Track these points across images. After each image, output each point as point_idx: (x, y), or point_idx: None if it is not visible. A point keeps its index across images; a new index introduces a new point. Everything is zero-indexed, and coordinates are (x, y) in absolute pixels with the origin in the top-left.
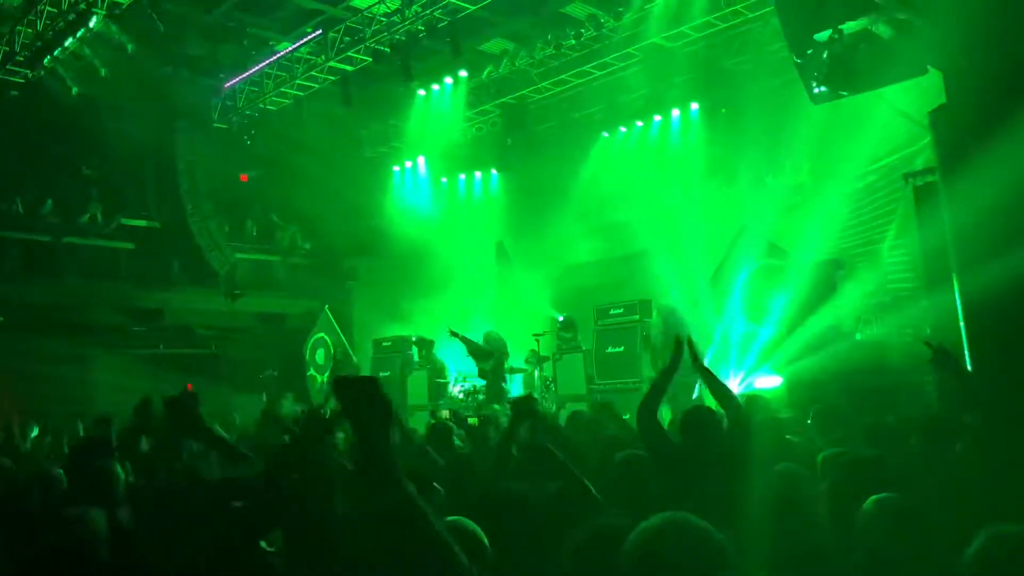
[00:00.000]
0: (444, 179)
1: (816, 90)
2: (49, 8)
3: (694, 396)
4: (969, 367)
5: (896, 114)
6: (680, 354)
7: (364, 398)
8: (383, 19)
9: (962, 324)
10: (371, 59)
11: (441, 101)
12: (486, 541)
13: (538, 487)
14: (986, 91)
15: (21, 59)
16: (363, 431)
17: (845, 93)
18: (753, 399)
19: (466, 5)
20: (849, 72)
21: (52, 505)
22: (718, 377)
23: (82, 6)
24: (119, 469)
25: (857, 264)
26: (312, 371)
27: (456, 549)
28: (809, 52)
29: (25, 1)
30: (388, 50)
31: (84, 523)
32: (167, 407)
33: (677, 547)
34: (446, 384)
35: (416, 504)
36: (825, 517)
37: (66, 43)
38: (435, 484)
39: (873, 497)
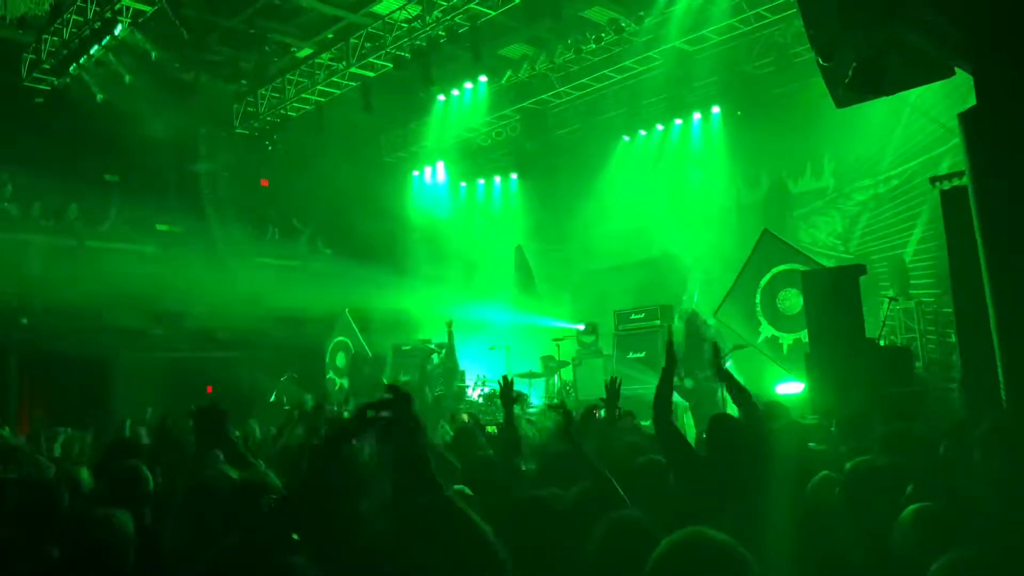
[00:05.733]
0: (463, 184)
1: (841, 93)
2: (75, 17)
3: (718, 401)
4: (1002, 372)
5: (919, 117)
6: (674, 355)
7: (406, 410)
8: (404, 25)
9: (994, 328)
10: (392, 65)
11: (461, 106)
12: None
13: (560, 491)
14: (1021, 91)
15: (47, 67)
16: (406, 438)
17: (871, 96)
18: (773, 405)
19: (486, 10)
20: (876, 75)
21: (80, 506)
22: (739, 381)
23: (107, 14)
24: (147, 472)
25: (880, 269)
26: (331, 374)
27: (497, 546)
28: (835, 55)
29: (51, 10)
30: (409, 56)
31: (112, 524)
32: (195, 419)
33: (700, 562)
34: (465, 388)
35: (453, 503)
36: (849, 527)
37: (91, 51)
38: (460, 486)
39: (911, 507)
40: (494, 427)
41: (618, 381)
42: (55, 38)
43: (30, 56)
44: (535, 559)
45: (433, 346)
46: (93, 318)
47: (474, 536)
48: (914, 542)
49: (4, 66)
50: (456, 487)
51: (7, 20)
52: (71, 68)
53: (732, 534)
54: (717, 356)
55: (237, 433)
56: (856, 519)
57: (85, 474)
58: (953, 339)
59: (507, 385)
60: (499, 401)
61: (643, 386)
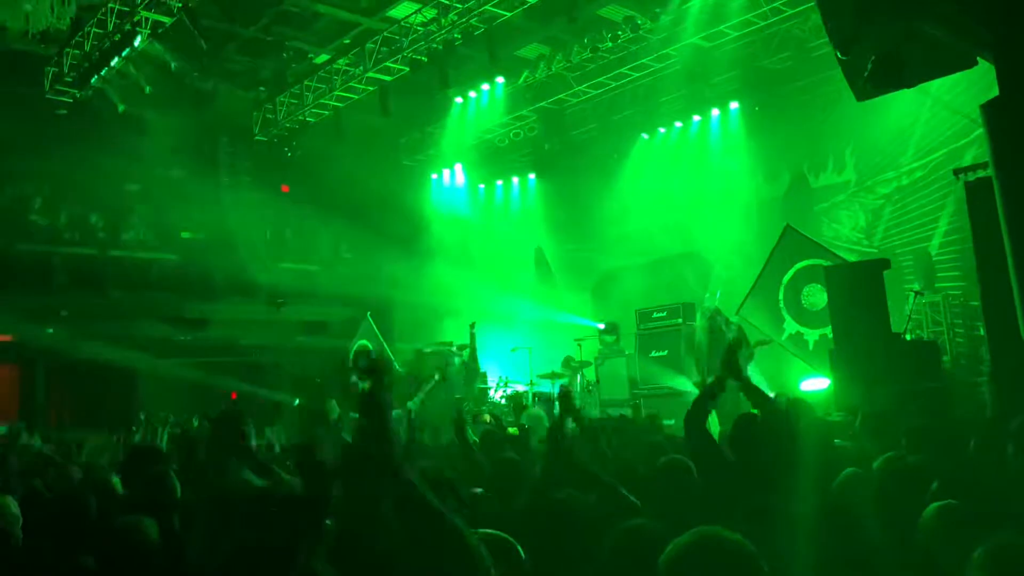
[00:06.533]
0: (482, 186)
1: (861, 86)
2: (95, 30)
3: (741, 399)
4: None
5: (942, 108)
6: (734, 359)
7: (381, 382)
8: (420, 28)
9: (1021, 321)
10: (408, 68)
11: (478, 108)
12: (521, 552)
13: (581, 495)
14: None
15: (69, 79)
16: (374, 416)
17: (891, 88)
18: (797, 402)
19: (502, 12)
20: (896, 67)
21: (107, 513)
22: (753, 383)
23: (127, 27)
24: (175, 479)
25: (905, 262)
26: (354, 378)
27: (465, 531)
28: (853, 48)
29: (72, 23)
30: (425, 59)
31: (137, 533)
32: (214, 425)
33: (708, 562)
34: (487, 390)
35: (416, 489)
36: (876, 525)
37: (112, 63)
38: (478, 489)
39: (934, 504)
40: (515, 429)
41: (572, 391)
42: (76, 51)
43: (52, 69)
44: (557, 561)
45: (455, 348)
46: (118, 326)
47: (441, 527)
48: (938, 539)
49: (27, 79)
50: (476, 490)
51: (30, 34)
52: (92, 80)
53: (758, 534)
54: (732, 356)
55: (269, 432)
56: (886, 516)
57: (117, 481)
58: (981, 332)
59: (565, 395)
60: (513, 404)
61: (665, 385)
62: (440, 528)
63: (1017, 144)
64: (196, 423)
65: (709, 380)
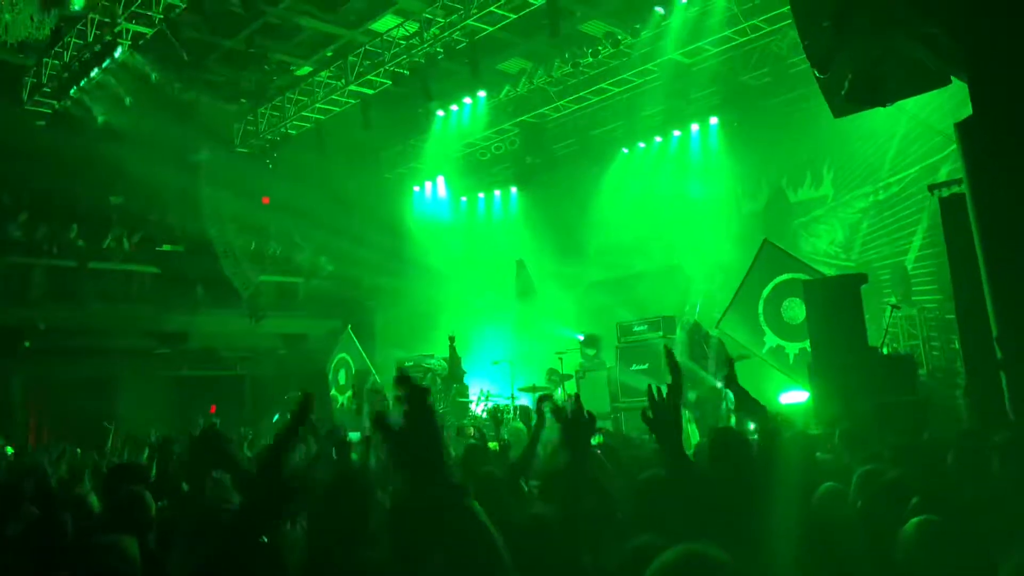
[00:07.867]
0: (464, 198)
1: (838, 103)
2: (75, 40)
3: (722, 411)
4: (1003, 376)
5: (917, 124)
6: (679, 374)
7: (419, 399)
8: (402, 42)
9: (994, 335)
10: (391, 82)
11: (460, 121)
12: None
13: (562, 509)
14: (1015, 101)
15: (48, 90)
16: (417, 427)
17: (868, 106)
18: (776, 416)
19: (484, 26)
20: (872, 85)
21: (85, 531)
22: (750, 395)
23: (107, 37)
24: (149, 497)
25: (882, 276)
26: (334, 391)
27: (499, 543)
28: (830, 66)
29: (52, 34)
30: (407, 72)
31: (118, 551)
32: (192, 444)
33: None
34: (468, 403)
35: (463, 497)
36: (859, 539)
37: (92, 74)
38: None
39: (914, 520)
40: (496, 443)
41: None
42: (56, 61)
43: (31, 80)
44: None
45: (435, 361)
46: (97, 339)
47: (484, 538)
48: (918, 554)
49: (6, 90)
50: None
51: (8, 44)
52: (72, 91)
53: (736, 550)
54: (731, 368)
55: (250, 454)
56: (865, 530)
57: (95, 499)
58: (957, 346)
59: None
60: (492, 418)
61: (646, 399)
62: (471, 524)
63: (990, 162)
64: (157, 435)
65: (689, 395)
